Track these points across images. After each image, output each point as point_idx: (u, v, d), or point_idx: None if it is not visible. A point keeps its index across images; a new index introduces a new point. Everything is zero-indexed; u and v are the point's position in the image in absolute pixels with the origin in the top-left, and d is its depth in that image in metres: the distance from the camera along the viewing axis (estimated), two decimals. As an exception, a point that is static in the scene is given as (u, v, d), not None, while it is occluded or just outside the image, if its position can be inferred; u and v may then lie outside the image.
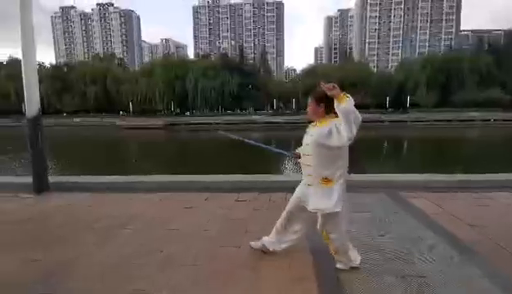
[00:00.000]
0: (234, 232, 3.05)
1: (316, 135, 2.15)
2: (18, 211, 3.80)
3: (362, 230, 3.01)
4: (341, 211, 2.21)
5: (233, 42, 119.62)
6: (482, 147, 21.21)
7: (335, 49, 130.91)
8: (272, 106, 53.18)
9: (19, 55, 4.63)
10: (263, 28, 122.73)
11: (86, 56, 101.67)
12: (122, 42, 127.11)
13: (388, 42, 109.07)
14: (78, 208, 3.90)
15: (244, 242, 2.70)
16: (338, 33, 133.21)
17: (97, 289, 2.16)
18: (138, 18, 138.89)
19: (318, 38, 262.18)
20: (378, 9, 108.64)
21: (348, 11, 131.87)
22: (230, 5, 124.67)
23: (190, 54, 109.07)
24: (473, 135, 29.98)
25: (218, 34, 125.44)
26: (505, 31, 64.03)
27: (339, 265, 2.33)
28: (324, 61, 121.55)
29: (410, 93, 48.51)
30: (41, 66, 55.30)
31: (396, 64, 74.42)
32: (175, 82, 51.64)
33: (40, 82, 4.74)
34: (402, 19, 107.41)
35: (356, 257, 2.34)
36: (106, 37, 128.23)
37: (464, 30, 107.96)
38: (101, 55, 71.98)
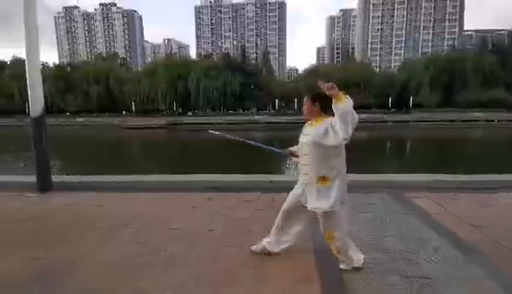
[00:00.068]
0: (237, 232, 3.05)
1: (312, 134, 2.16)
2: (22, 209, 3.83)
3: (365, 230, 3.01)
4: (340, 210, 2.21)
5: (235, 42, 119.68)
6: (485, 147, 21.10)
7: (338, 49, 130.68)
8: (274, 106, 53.15)
9: (22, 55, 4.66)
10: (265, 28, 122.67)
11: (89, 56, 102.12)
12: (124, 42, 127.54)
13: (391, 41, 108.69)
14: (81, 207, 3.91)
15: (247, 243, 2.70)
16: (340, 33, 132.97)
17: (100, 288, 2.17)
18: (141, 18, 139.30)
19: (320, 38, 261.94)
20: (381, 9, 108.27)
21: (350, 11, 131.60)
22: (232, 5, 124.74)
23: (193, 54, 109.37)
24: (476, 135, 29.83)
25: (220, 34, 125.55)
26: (508, 31, 63.53)
27: (342, 266, 2.33)
28: (326, 61, 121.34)
29: (413, 93, 48.28)
30: (44, 66, 55.63)
31: (399, 64, 74.15)
32: (177, 82, 51.73)
33: (44, 82, 4.76)
34: (405, 18, 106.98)
35: (359, 257, 2.34)
36: (109, 37, 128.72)
37: (467, 30, 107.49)
38: (104, 55, 72.21)
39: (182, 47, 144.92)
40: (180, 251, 2.67)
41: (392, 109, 47.61)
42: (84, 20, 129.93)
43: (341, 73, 51.94)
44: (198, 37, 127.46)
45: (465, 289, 2.09)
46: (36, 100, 4.51)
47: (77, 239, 2.96)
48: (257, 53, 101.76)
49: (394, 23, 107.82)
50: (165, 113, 51.22)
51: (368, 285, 2.13)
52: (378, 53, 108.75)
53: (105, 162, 14.93)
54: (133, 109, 51.42)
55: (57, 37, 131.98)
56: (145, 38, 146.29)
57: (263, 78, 56.18)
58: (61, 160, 14.76)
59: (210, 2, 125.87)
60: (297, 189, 2.38)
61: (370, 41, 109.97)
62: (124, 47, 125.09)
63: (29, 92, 4.50)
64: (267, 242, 2.55)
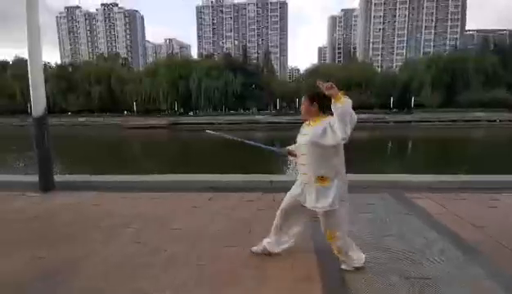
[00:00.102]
0: (238, 232, 3.05)
1: (310, 134, 2.17)
2: (24, 209, 3.84)
3: (367, 231, 3.00)
4: (341, 209, 2.22)
5: (236, 42, 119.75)
6: (487, 147, 21.03)
7: (339, 49, 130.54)
8: (276, 106, 53.16)
9: (25, 55, 4.69)
10: (267, 28, 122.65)
11: (90, 56, 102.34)
12: (126, 42, 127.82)
13: (393, 41, 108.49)
14: (83, 207, 3.93)
15: (248, 243, 2.70)
16: (342, 32, 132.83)
17: (102, 287, 2.18)
18: (142, 18, 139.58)
19: (322, 38, 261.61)
20: (382, 8, 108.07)
21: (352, 10, 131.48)
22: (233, 5, 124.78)
23: (194, 54, 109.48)
24: (478, 135, 29.74)
25: (222, 34, 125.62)
26: (510, 31, 63.39)
27: (343, 266, 2.33)
28: (328, 61, 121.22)
29: (414, 93, 48.12)
30: (46, 66, 55.79)
31: (400, 63, 73.95)
32: (179, 82, 51.81)
33: (46, 81, 4.78)
34: (407, 18, 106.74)
35: (360, 257, 2.34)
36: (111, 38, 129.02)
37: (469, 30, 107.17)
38: (106, 55, 72.47)
39: (184, 47, 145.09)
40: (181, 251, 2.67)
41: (394, 109, 47.49)
42: (86, 20, 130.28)
43: (342, 72, 51.90)
44: (199, 37, 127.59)
45: (467, 289, 2.09)
46: (38, 100, 4.53)
47: (79, 239, 2.97)
48: (258, 53, 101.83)
49: (396, 22, 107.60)
50: (166, 113, 51.30)
51: (370, 285, 2.13)
52: (379, 53, 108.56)
53: (107, 162, 14.97)
54: (135, 108, 51.54)
55: (59, 37, 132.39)
56: (147, 38, 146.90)
57: (265, 78, 56.18)
58: (63, 160, 14.81)
59: (212, 2, 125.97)
60: (295, 189, 2.38)
61: (371, 41, 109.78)
62: (126, 47, 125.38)
63: (31, 92, 4.52)
64: (267, 243, 2.55)
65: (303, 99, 2.30)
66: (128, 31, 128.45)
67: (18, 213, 3.69)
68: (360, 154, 16.35)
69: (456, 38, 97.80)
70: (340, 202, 2.20)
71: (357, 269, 2.30)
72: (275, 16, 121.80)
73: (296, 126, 2.55)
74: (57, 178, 4.92)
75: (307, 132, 2.22)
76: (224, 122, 39.31)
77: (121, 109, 53.58)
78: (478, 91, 45.21)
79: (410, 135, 30.61)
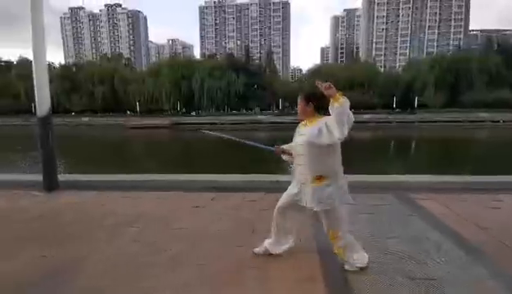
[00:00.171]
0: (241, 232, 3.06)
1: (307, 134, 2.18)
2: (29, 208, 3.87)
3: (370, 231, 3.00)
4: (341, 209, 2.23)
5: (239, 42, 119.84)
6: (491, 148, 20.90)
7: (342, 49, 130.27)
8: (278, 106, 53.13)
9: (29, 55, 4.73)
10: (269, 28, 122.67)
11: (94, 56, 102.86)
12: (129, 43, 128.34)
13: (396, 41, 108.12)
14: (87, 206, 3.95)
15: (251, 243, 2.70)
16: (344, 32, 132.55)
17: (105, 286, 2.19)
18: (145, 18, 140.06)
19: (324, 38, 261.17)
20: (385, 8, 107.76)
21: (354, 10, 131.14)
22: (236, 5, 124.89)
23: (197, 54, 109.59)
24: (482, 136, 29.58)
25: (224, 34, 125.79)
26: (513, 31, 62.87)
27: (347, 266, 2.32)
28: (330, 61, 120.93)
29: (418, 93, 47.97)
30: (50, 66, 56.15)
31: (403, 64, 73.75)
32: (181, 82, 51.94)
33: (50, 82, 4.81)
34: (410, 18, 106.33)
35: (363, 257, 2.33)
36: (114, 38, 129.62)
37: (472, 30, 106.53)
38: (109, 56, 72.85)
39: (186, 48, 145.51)
40: (183, 250, 2.68)
41: (397, 110, 47.33)
42: (90, 20, 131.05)
43: (345, 72, 51.84)
44: (202, 37, 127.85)
45: (471, 290, 2.08)
46: (43, 100, 4.56)
47: (83, 238, 2.99)
48: (261, 53, 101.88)
49: (399, 22, 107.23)
50: (169, 113, 51.44)
51: (373, 285, 2.12)
52: (382, 53, 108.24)
53: (110, 162, 15.04)
54: (138, 109, 51.73)
55: (63, 38, 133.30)
56: (150, 39, 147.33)
57: (267, 78, 56.21)
58: (67, 159, 14.89)
59: (214, 3, 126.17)
60: (292, 189, 2.39)
61: (374, 41, 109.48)
62: (129, 48, 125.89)
63: (35, 92, 4.55)
64: (268, 244, 2.56)
65: (298, 99, 2.30)
66: (131, 31, 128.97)
67: (23, 212, 3.71)
68: (362, 154, 16.32)
69: (460, 38, 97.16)
70: (340, 201, 2.21)
71: (360, 269, 2.29)
72: (277, 16, 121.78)
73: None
74: (61, 177, 4.95)
75: (304, 132, 2.23)
76: (227, 122, 39.38)
77: (124, 109, 53.83)
78: (481, 92, 44.94)
79: (413, 135, 30.49)
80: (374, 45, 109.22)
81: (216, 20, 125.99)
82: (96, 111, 53.08)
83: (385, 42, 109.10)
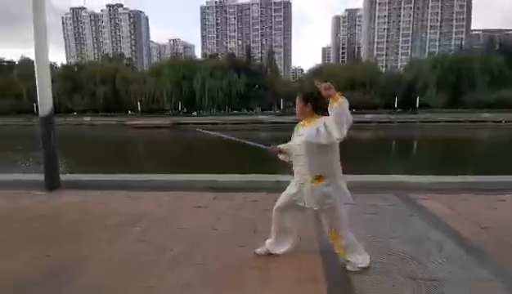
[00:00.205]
0: (242, 232, 3.06)
1: (305, 135, 2.19)
2: (31, 207, 3.88)
3: (372, 231, 2.99)
4: (340, 208, 2.23)
5: (240, 42, 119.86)
6: (493, 148, 20.83)
7: (343, 49, 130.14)
8: (279, 106, 53.09)
9: (31, 55, 4.76)
10: (271, 28, 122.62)
11: (96, 57, 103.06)
12: (131, 43, 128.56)
13: (398, 41, 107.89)
14: (88, 206, 3.96)
15: (253, 243, 2.71)
16: (346, 32, 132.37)
17: (107, 286, 2.19)
18: (147, 18, 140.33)
19: (326, 38, 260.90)
20: (387, 8, 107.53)
21: (356, 10, 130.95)
22: (237, 5, 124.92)
23: (198, 54, 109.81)
24: (484, 136, 29.49)
25: (226, 34, 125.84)
26: (516, 30, 62.66)
27: (349, 267, 2.32)
28: (331, 61, 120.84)
29: (419, 93, 47.80)
30: (52, 66, 56.32)
31: (405, 63, 73.56)
32: (182, 82, 51.97)
33: (52, 82, 4.83)
34: (412, 18, 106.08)
35: (365, 258, 2.33)
36: (116, 38, 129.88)
37: (474, 30, 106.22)
38: (111, 56, 72.90)
39: (188, 47, 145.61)
40: (186, 250, 2.68)
41: (398, 110, 47.21)
42: (91, 20, 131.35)
43: (346, 72, 51.77)
44: (203, 37, 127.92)
45: (472, 290, 2.08)
46: (45, 100, 4.57)
47: (85, 237, 3.00)
48: (262, 53, 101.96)
49: (401, 22, 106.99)
50: (170, 113, 51.48)
51: (375, 286, 2.12)
52: (384, 53, 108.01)
53: (112, 162, 15.06)
54: (139, 108, 51.81)
55: (65, 38, 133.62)
56: (151, 39, 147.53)
57: (268, 78, 56.17)
58: (69, 159, 14.93)
59: (215, 3, 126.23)
60: (290, 189, 2.39)
61: (376, 40, 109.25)
62: (130, 48, 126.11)
63: (38, 92, 4.57)
64: (269, 244, 2.56)
65: (297, 99, 2.31)
66: (132, 31, 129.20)
67: (24, 212, 3.73)
68: (364, 154, 16.29)
69: (462, 38, 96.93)
70: (340, 201, 2.21)
71: (362, 269, 2.29)
72: (278, 16, 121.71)
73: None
74: (63, 177, 4.97)
75: (303, 133, 2.23)
76: (228, 122, 39.36)
77: (125, 108, 53.93)
78: (483, 92, 44.78)
79: (414, 135, 30.42)
80: (375, 45, 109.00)
81: (217, 19, 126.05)
82: (97, 111, 53.18)
83: (387, 41, 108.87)
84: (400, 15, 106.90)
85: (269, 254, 2.54)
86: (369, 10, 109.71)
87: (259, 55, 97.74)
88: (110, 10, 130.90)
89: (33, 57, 4.55)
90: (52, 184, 4.63)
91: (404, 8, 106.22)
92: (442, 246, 2.69)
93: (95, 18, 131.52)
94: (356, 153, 15.05)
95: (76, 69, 60.93)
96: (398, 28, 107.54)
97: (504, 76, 46.14)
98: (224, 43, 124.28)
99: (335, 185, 2.20)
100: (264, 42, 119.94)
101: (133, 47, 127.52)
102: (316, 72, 56.07)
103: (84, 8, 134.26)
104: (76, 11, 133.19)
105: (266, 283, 2.18)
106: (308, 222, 2.94)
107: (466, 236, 2.89)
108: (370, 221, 3.26)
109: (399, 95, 48.45)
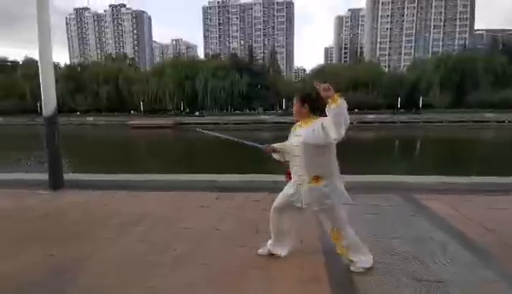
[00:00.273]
0: (245, 231, 3.06)
1: (303, 135, 2.19)
2: (35, 207, 3.90)
3: (375, 232, 2.98)
4: (340, 209, 2.22)
5: (243, 42, 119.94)
6: (497, 149, 20.70)
7: (346, 49, 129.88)
8: (281, 106, 53.04)
9: (34, 55, 4.79)
10: (273, 28, 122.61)
11: (99, 57, 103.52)
12: (133, 43, 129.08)
13: (401, 41, 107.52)
14: (92, 205, 3.97)
15: (255, 243, 2.70)
16: (348, 32, 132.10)
17: (111, 286, 2.20)
18: (149, 19, 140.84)
19: (328, 38, 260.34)
20: (390, 8, 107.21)
21: (359, 10, 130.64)
22: (239, 5, 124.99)
23: (200, 54, 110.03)
24: (487, 136, 29.34)
25: (228, 34, 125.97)
26: (520, 30, 62.22)
27: (352, 267, 2.31)
28: (334, 61, 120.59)
29: (423, 93, 47.58)
30: (56, 66, 56.63)
31: (408, 63, 73.26)
32: (185, 82, 52.10)
33: (55, 82, 4.85)
34: (415, 18, 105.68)
35: (368, 258, 2.32)
36: (118, 38, 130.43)
37: (478, 30, 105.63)
38: (114, 56, 73.23)
39: (190, 48, 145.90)
40: (188, 250, 2.68)
41: (401, 110, 46.99)
42: (94, 21, 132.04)
43: (349, 72, 51.65)
44: (206, 37, 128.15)
45: (478, 292, 2.06)
46: (49, 100, 4.60)
47: (88, 237, 3.01)
48: (264, 53, 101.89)
49: (404, 22, 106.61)
50: (173, 113, 51.59)
51: (378, 286, 2.11)
52: (387, 53, 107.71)
53: (114, 161, 15.11)
54: (141, 108, 51.97)
55: (68, 38, 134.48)
56: (154, 39, 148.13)
57: (271, 78, 56.18)
58: (71, 158, 15.00)
59: (218, 3, 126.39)
60: (288, 189, 2.38)
61: (379, 40, 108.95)
62: (133, 48, 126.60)
63: (42, 92, 4.59)
64: (270, 245, 2.56)
65: (294, 100, 2.31)
66: (135, 32, 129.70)
67: (29, 211, 3.75)
68: (366, 154, 16.25)
69: (465, 38, 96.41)
70: (339, 201, 2.21)
71: (366, 270, 2.28)
72: (281, 16, 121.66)
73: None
74: (66, 176, 4.99)
75: (300, 133, 2.23)
76: (230, 122, 39.42)
77: (128, 108, 54.13)
78: (487, 92, 44.51)
79: (417, 135, 30.29)
80: (378, 45, 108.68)
81: (219, 20, 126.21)
82: (100, 111, 53.44)
83: (390, 41, 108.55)
84: (403, 15, 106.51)
85: (271, 254, 2.54)
86: (372, 9, 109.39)
87: (261, 55, 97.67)
88: (112, 10, 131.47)
89: (36, 57, 4.57)
90: (56, 183, 4.65)
91: (407, 8, 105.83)
92: (446, 247, 2.67)
93: (98, 18, 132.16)
94: (358, 154, 15.01)
95: (79, 69, 61.30)
96: (401, 28, 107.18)
97: (507, 76, 45.87)
98: (226, 43, 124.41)
99: (333, 186, 2.20)
100: (266, 42, 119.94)
101: (136, 47, 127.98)
102: (319, 72, 55.99)
103: (88, 9, 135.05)
104: (79, 12, 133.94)
105: (268, 283, 2.18)
106: (311, 222, 2.94)
107: (471, 237, 2.87)
108: (373, 222, 3.24)
109: (402, 95, 48.20)
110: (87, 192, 4.48)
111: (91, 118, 48.26)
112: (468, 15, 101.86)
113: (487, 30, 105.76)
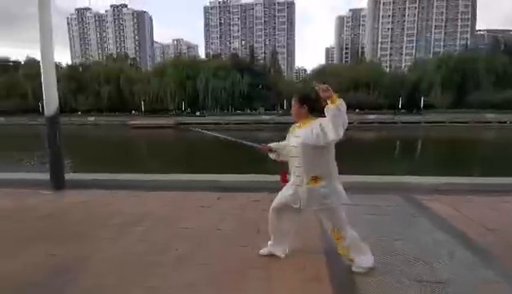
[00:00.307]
0: (246, 232, 3.06)
1: (301, 136, 2.19)
2: (37, 207, 3.91)
3: (376, 232, 2.97)
4: (339, 209, 2.23)
5: (244, 42, 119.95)
6: (498, 149, 20.64)
7: (347, 49, 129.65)
8: (282, 106, 52.99)
9: (36, 55, 4.80)
10: (274, 28, 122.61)
11: (100, 57, 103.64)
12: (135, 43, 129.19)
13: (402, 41, 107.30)
14: (93, 205, 3.98)
15: (257, 243, 2.70)
16: (349, 33, 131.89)
17: (112, 285, 2.20)
18: (151, 19, 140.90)
19: (329, 38, 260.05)
20: (391, 8, 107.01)
21: (360, 10, 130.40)
22: (240, 5, 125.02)
23: (201, 54, 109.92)
24: (488, 137, 29.26)
25: (229, 34, 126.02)
26: (522, 31, 62.01)
27: (353, 268, 2.31)
28: (335, 61, 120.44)
29: (424, 94, 47.50)
30: (57, 66, 56.74)
31: (409, 64, 73.15)
32: (186, 82, 52.14)
33: (57, 82, 4.86)
34: (416, 18, 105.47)
35: (369, 258, 2.32)
36: (120, 38, 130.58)
37: (479, 30, 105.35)
38: (115, 56, 73.34)
39: (191, 48, 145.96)
40: (189, 250, 2.69)
41: (403, 110, 46.92)
42: (96, 21, 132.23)
43: (350, 73, 51.63)
44: (207, 37, 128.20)
45: (478, 292, 2.06)
46: (50, 100, 4.61)
47: (89, 237, 3.01)
48: (265, 53, 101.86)
49: (405, 22, 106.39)
50: (174, 113, 51.63)
51: (380, 287, 2.11)
52: (388, 53, 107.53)
53: (115, 161, 15.14)
54: (143, 108, 52.04)
55: (70, 38, 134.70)
56: (155, 39, 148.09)
57: (272, 78, 56.18)
58: (73, 158, 15.03)
59: (219, 3, 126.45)
60: (287, 190, 2.38)
61: (380, 41, 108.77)
62: (134, 48, 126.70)
63: (43, 92, 4.60)
64: (270, 246, 2.56)
65: (292, 101, 2.31)
66: (136, 32, 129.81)
67: (31, 211, 3.76)
68: (366, 155, 16.23)
69: (467, 38, 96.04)
70: (337, 201, 2.21)
71: (367, 270, 2.28)
72: (282, 16, 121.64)
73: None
74: (67, 176, 4.99)
75: (298, 134, 2.23)
76: (231, 122, 39.45)
77: (129, 108, 54.20)
78: (488, 92, 44.38)
79: (418, 135, 30.25)
80: (379, 45, 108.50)
81: (221, 20, 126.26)
82: (102, 111, 53.52)
83: (391, 41, 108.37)
84: (404, 15, 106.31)
85: (272, 254, 2.54)
86: (373, 10, 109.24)
87: (263, 55, 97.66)
88: (114, 10, 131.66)
89: (38, 57, 4.58)
90: (58, 183, 4.66)
91: (409, 8, 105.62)
92: (448, 247, 2.67)
93: (99, 18, 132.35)
94: (359, 154, 15.00)
95: (81, 69, 61.46)
96: (403, 28, 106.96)
97: (509, 76, 45.72)
98: (227, 43, 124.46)
99: (332, 186, 2.20)
100: (267, 42, 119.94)
101: (137, 47, 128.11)
102: (320, 72, 55.99)
103: (89, 9, 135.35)
104: (81, 12, 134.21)
105: (269, 283, 2.18)
106: (312, 221, 2.93)
107: (472, 237, 2.86)
108: (374, 222, 3.24)
109: (403, 95, 48.15)
110: (88, 192, 4.49)
111: (92, 118, 48.37)
112: (469, 16, 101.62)
113: (488, 30, 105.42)
